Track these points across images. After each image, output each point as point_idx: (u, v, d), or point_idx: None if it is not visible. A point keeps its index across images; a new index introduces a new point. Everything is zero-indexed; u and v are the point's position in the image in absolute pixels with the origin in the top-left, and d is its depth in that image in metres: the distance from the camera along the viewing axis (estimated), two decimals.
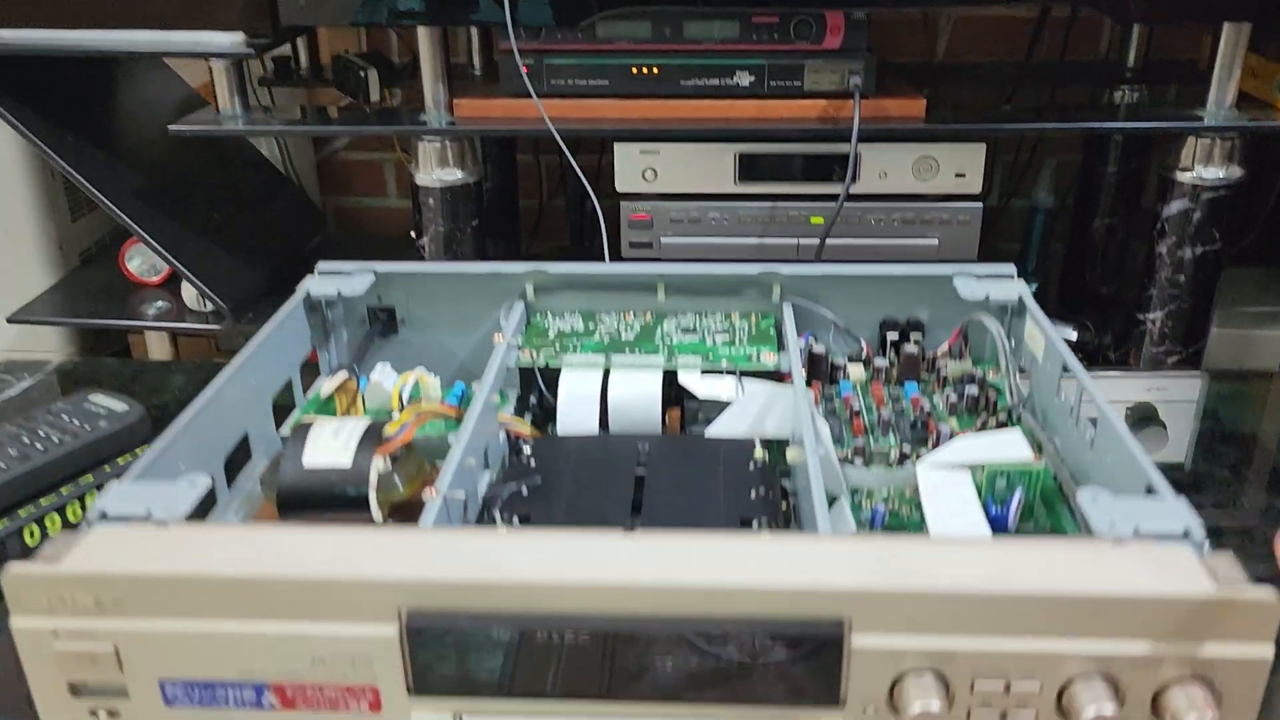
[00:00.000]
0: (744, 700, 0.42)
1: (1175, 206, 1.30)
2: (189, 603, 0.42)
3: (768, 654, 0.41)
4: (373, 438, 0.56)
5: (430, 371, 0.68)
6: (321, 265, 0.71)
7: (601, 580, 0.41)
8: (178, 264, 1.38)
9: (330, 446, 0.55)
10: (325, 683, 0.43)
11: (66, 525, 0.66)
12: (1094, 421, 0.56)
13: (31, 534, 0.64)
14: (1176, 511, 0.45)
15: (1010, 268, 0.69)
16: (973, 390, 0.64)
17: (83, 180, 1.35)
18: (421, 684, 0.43)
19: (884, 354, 0.70)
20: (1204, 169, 1.28)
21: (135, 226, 1.38)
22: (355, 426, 0.57)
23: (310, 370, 0.70)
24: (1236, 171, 1.28)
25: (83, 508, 0.67)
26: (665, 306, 0.71)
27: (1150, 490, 0.48)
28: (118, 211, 1.37)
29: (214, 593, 0.41)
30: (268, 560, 0.42)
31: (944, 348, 0.68)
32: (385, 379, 0.66)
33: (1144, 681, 0.41)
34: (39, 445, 0.67)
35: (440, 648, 0.42)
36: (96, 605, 0.42)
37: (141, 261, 1.53)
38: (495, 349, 0.65)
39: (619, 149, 1.35)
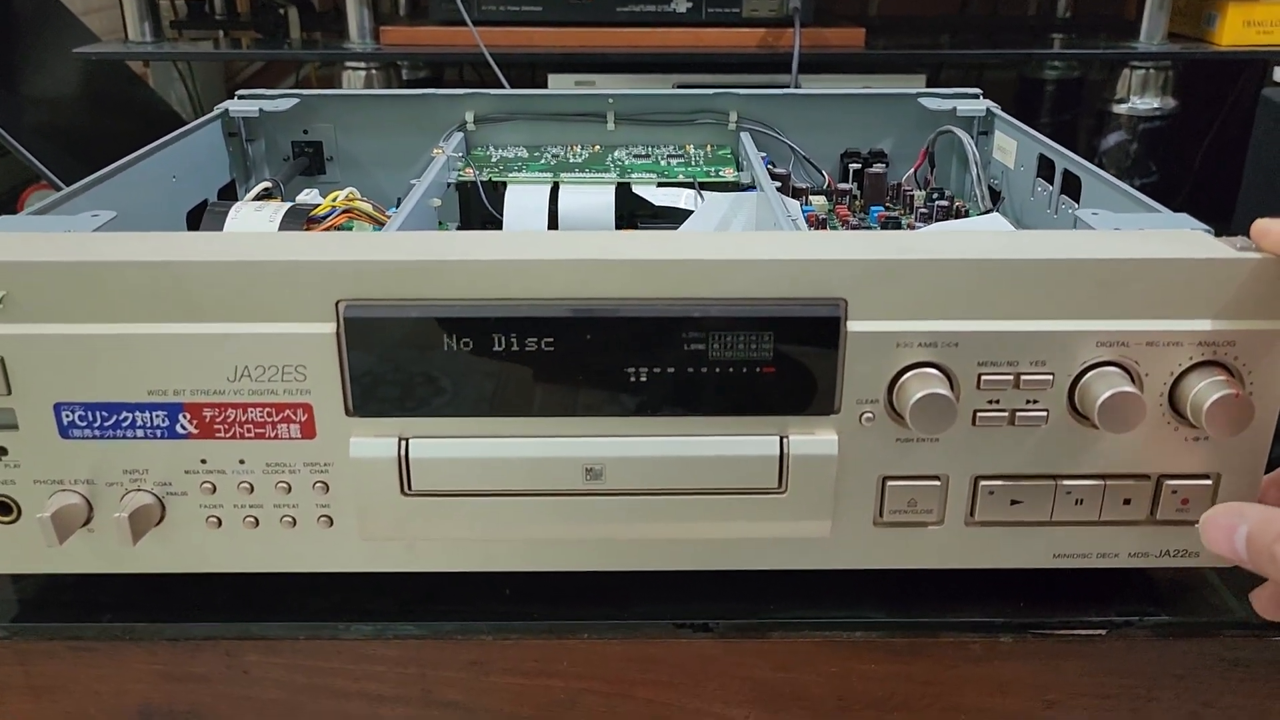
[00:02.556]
0: (726, 410, 0.38)
1: (1112, 139, 1.30)
2: (90, 300, 0.36)
3: (754, 348, 0.37)
4: (298, 216, 0.50)
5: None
6: (241, 91, 0.65)
7: (570, 255, 0.36)
8: None
9: (253, 219, 0.50)
10: (250, 402, 0.37)
11: None
12: (1076, 198, 0.53)
13: None
14: (1181, 219, 0.42)
15: (976, 90, 0.66)
16: (943, 203, 0.61)
17: None
18: (362, 400, 0.37)
19: (848, 183, 0.67)
20: (1139, 99, 1.28)
21: (44, 170, 1.30)
22: (280, 205, 0.51)
23: None
24: (1171, 102, 1.28)
25: None
26: (615, 138, 0.67)
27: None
28: (25, 153, 1.29)
29: (120, 286, 0.36)
30: (184, 249, 0.37)
31: (910, 173, 0.65)
32: (312, 200, 0.61)
33: (1161, 367, 0.37)
34: None
35: (383, 353, 0.37)
36: None
37: None
38: (433, 161, 0.60)
39: (553, 80, 1.31)
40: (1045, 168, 0.57)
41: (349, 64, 1.25)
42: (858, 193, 0.66)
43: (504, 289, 0.36)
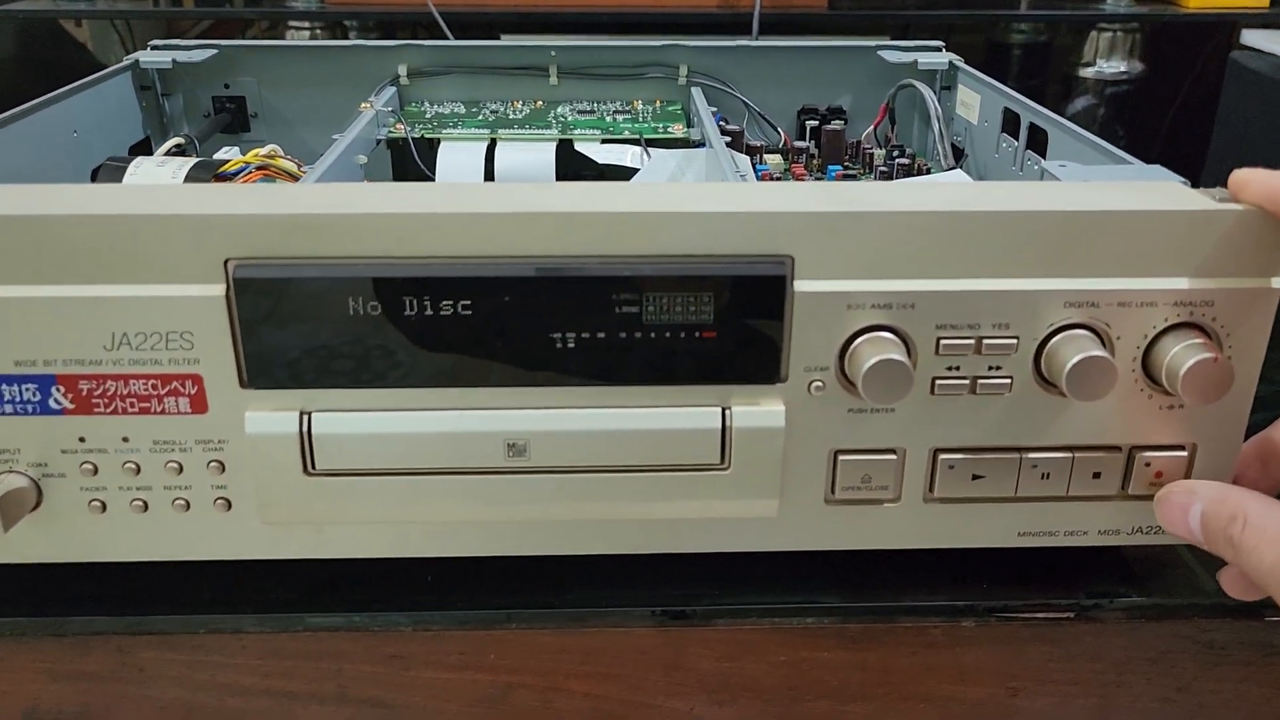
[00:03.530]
0: (662, 379, 0.34)
1: (1079, 104, 1.28)
2: None
3: (693, 310, 0.34)
4: (206, 170, 0.46)
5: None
6: (154, 41, 0.61)
7: (487, 209, 0.33)
8: None
9: (154, 175, 0.46)
10: (132, 373, 0.34)
11: None
12: (1042, 153, 0.50)
13: None
14: (1155, 171, 0.39)
15: (939, 43, 0.63)
16: (903, 161, 0.58)
17: None
18: (257, 370, 0.34)
19: (805, 140, 0.63)
20: (1106, 63, 1.26)
21: None
22: (186, 161, 0.47)
23: None
24: (1138, 66, 1.26)
25: None
26: (558, 93, 0.63)
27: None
28: None
29: None
30: (50, 202, 0.33)
31: (870, 130, 0.62)
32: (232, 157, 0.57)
33: (1134, 329, 0.34)
34: None
35: (280, 317, 0.33)
36: None
37: None
38: (359, 115, 0.56)
39: (506, 41, 1.26)
40: (1010, 123, 0.54)
41: (293, 23, 1.21)
42: (815, 151, 0.62)
43: (414, 246, 0.33)
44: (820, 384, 0.35)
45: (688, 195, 0.34)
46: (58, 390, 0.34)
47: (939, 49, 0.62)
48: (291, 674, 0.37)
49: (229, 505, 0.35)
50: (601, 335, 0.34)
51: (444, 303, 0.33)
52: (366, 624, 0.37)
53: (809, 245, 0.33)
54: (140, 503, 0.35)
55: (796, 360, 0.34)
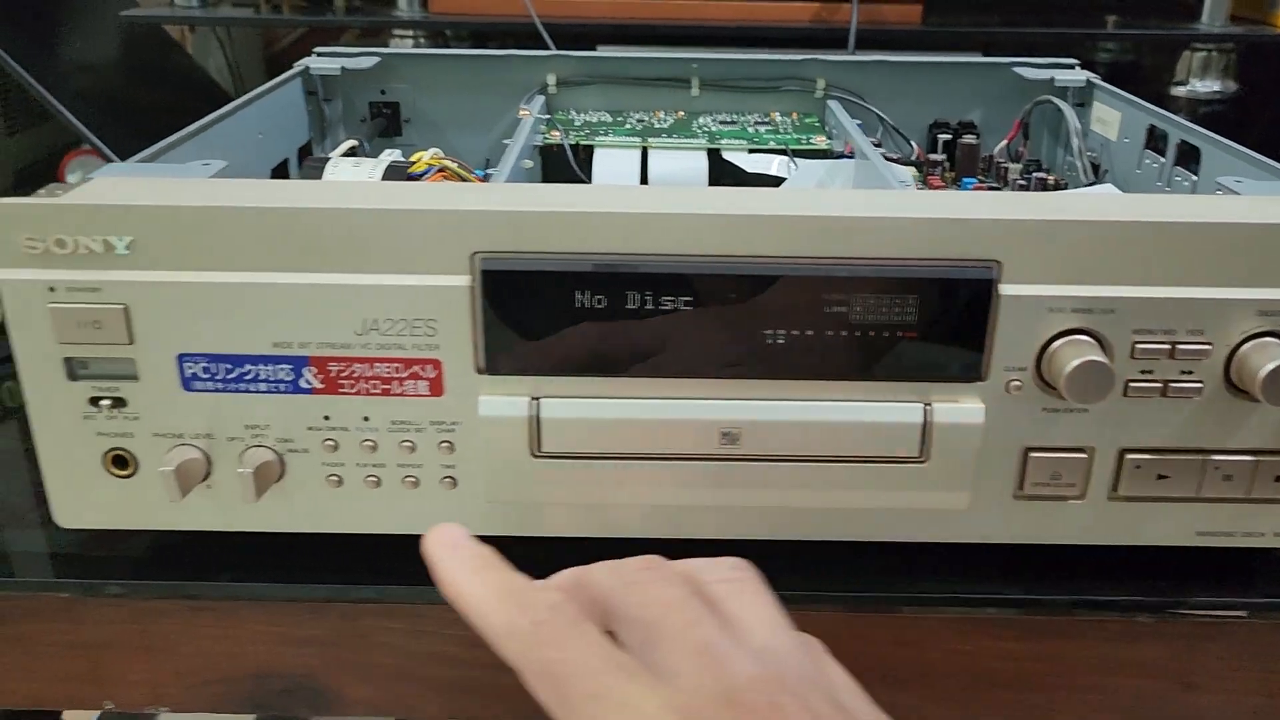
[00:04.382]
0: (867, 375, 0.36)
1: None
2: (217, 247, 0.35)
3: (900, 312, 0.36)
4: (398, 172, 0.49)
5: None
6: (319, 49, 0.64)
7: (707, 210, 0.35)
8: None
9: (353, 173, 0.48)
10: (378, 357, 0.36)
11: None
12: (1195, 169, 0.51)
13: None
14: None
15: (1073, 60, 0.65)
16: (1040, 175, 0.59)
17: (34, 83, 1.25)
18: (494, 357, 0.36)
19: (937, 153, 0.65)
20: (1199, 83, 1.26)
21: (89, 134, 1.28)
22: (376, 161, 0.50)
23: None
24: (1233, 85, 1.26)
25: None
26: (698, 104, 0.65)
27: None
28: (70, 116, 1.27)
29: (248, 232, 0.35)
30: (315, 196, 0.35)
31: (1003, 144, 0.63)
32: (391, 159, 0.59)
33: None
34: None
35: (519, 308, 0.35)
36: (106, 250, 0.35)
37: (83, 175, 1.42)
38: (521, 122, 0.58)
39: (602, 52, 1.29)
40: (1153, 140, 0.55)
41: (396, 31, 1.24)
42: (949, 165, 0.64)
43: (642, 243, 0.35)
44: (1018, 383, 0.37)
45: (899, 202, 0.36)
46: (309, 371, 0.36)
47: (1072, 66, 0.64)
48: None
49: (455, 484, 0.38)
50: (810, 333, 0.36)
51: (665, 298, 0.35)
52: None
53: (1015, 251, 0.35)
54: (374, 479, 0.38)
55: (997, 360, 0.36)
